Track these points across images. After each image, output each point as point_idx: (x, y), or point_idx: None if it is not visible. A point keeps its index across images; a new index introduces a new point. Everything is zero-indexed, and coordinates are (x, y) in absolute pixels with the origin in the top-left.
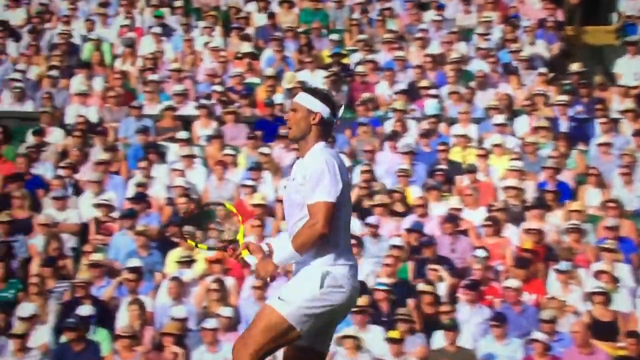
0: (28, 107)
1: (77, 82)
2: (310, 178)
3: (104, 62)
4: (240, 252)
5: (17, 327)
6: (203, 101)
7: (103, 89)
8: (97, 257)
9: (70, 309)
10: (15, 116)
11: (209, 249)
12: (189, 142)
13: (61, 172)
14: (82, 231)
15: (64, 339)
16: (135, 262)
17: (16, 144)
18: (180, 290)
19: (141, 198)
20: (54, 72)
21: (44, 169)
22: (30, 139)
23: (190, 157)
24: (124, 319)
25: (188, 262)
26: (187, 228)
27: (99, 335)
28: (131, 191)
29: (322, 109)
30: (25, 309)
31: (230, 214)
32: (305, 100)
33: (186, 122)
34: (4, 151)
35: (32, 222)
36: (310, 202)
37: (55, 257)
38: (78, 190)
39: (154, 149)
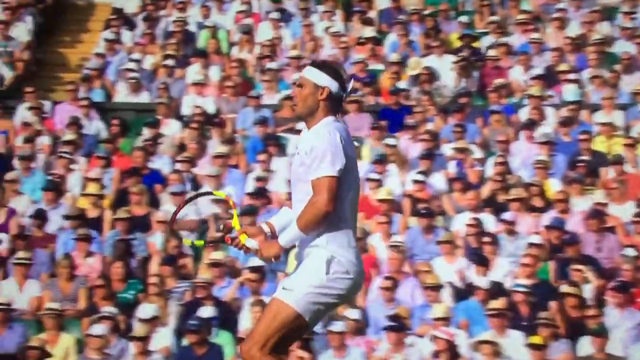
0: (144, 98)
1: (193, 71)
2: (312, 152)
3: (221, 50)
4: (239, 239)
5: (138, 329)
6: None
7: (220, 78)
8: (217, 256)
9: (191, 311)
10: (131, 108)
11: (206, 243)
12: None
13: (179, 166)
14: (201, 228)
15: (185, 341)
16: (257, 262)
17: (132, 136)
18: None
19: (261, 193)
20: (170, 62)
21: (162, 163)
22: (146, 132)
23: None
24: (246, 321)
25: None
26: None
27: (222, 338)
28: (250, 186)
29: (331, 83)
30: (146, 310)
31: (221, 201)
32: (312, 74)
33: None
34: (120, 144)
35: (150, 219)
36: (313, 178)
37: (175, 256)
38: (196, 185)
39: (274, 140)
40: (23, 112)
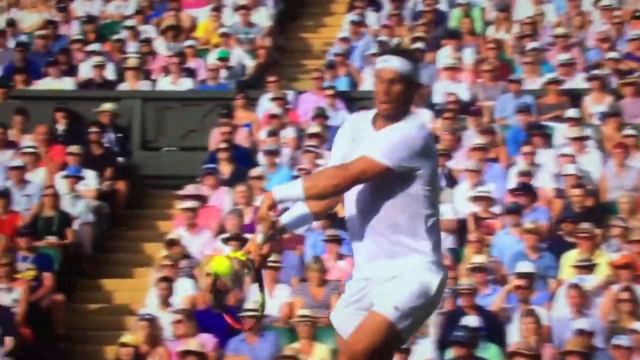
0: None
1: (445, 54)
2: (384, 133)
3: (475, 31)
4: (251, 250)
5: None
6: (594, 71)
7: (475, 61)
8: (480, 259)
9: (453, 320)
10: None
11: (262, 305)
12: (579, 121)
13: None
14: (459, 229)
15: (449, 354)
16: (525, 267)
17: None
18: (582, 300)
19: (526, 189)
20: (419, 44)
21: None
22: None
23: (581, 139)
24: (516, 333)
25: (588, 267)
26: None
27: (489, 352)
28: (513, 181)
29: (421, 78)
30: None
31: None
32: (405, 68)
33: (575, 98)
34: None
35: None
36: (363, 153)
37: None
38: (452, 181)
39: (538, 130)
40: (266, 103)
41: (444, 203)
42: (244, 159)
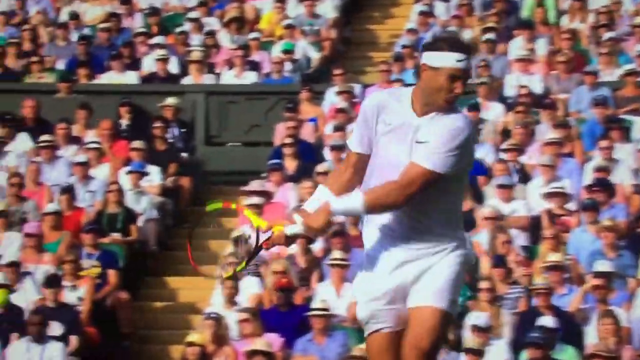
0: None
1: (517, 45)
2: (440, 138)
3: (549, 20)
4: (274, 233)
5: (471, 340)
6: None
7: (548, 52)
8: (555, 258)
9: (528, 321)
10: None
11: (245, 266)
12: None
13: (504, 155)
14: (533, 226)
15: (524, 356)
16: (603, 266)
17: None
18: None
19: (603, 185)
20: (490, 35)
21: (484, 152)
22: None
23: None
24: (594, 334)
25: None
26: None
27: (566, 354)
28: (589, 177)
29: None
30: (478, 319)
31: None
32: (471, 64)
33: None
34: None
35: (474, 215)
36: (416, 161)
37: (504, 257)
38: (525, 177)
39: (616, 124)
40: (332, 97)
41: (517, 200)
42: (309, 154)
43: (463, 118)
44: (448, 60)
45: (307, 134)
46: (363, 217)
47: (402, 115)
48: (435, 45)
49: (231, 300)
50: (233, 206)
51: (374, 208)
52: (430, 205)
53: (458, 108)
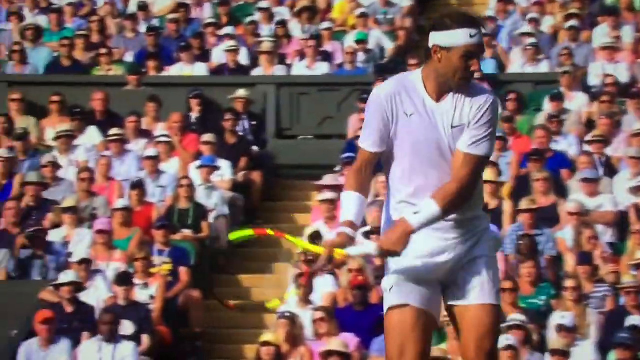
0: (543, 67)
1: (602, 33)
2: (479, 121)
3: (635, 6)
4: (334, 257)
5: (555, 341)
6: None
7: (634, 40)
8: None
9: (615, 321)
10: (528, 80)
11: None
12: None
13: (588, 147)
14: (620, 222)
15: (612, 357)
16: None
17: (531, 113)
18: None
19: None
20: (574, 22)
21: (567, 144)
22: (548, 107)
23: None
24: None
25: None
26: None
27: None
28: None
29: None
30: (562, 319)
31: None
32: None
33: None
34: (518, 123)
35: (557, 210)
36: (469, 152)
37: (590, 254)
38: (611, 170)
39: None
40: None
41: (603, 194)
42: None
43: (486, 91)
44: (460, 37)
45: None
46: (390, 205)
47: (419, 101)
48: (444, 24)
49: (305, 299)
50: (270, 232)
51: (449, 211)
52: None
53: (474, 81)
